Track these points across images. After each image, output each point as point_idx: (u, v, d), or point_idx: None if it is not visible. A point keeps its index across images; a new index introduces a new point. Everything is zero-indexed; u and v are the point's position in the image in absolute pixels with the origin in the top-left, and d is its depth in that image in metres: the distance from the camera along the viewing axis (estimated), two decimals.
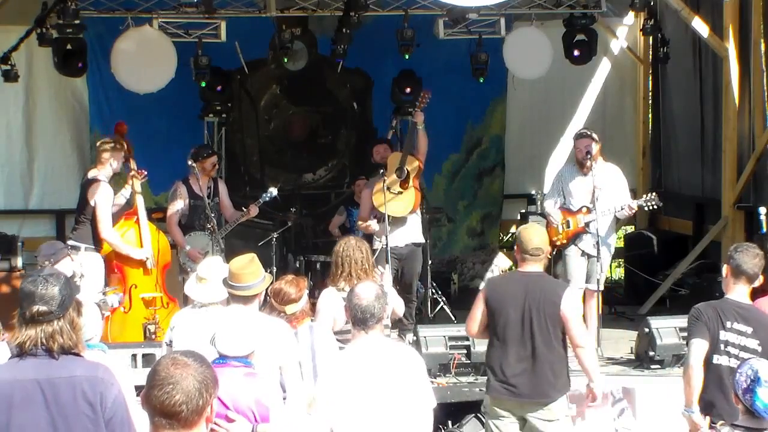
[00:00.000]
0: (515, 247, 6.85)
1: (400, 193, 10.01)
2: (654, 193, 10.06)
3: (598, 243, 9.60)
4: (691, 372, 6.12)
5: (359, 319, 5.52)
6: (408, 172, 10.05)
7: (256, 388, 5.29)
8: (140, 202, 9.72)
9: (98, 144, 9.80)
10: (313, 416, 5.33)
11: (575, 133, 10.29)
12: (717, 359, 6.10)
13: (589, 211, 9.75)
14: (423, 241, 10.38)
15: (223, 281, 6.37)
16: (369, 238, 9.74)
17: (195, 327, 6.37)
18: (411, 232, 10.15)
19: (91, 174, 9.69)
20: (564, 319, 6.59)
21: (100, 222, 9.43)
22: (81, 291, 7.17)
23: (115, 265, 9.62)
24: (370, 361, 5.45)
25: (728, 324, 6.08)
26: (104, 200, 9.44)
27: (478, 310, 6.79)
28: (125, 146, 9.70)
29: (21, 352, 4.13)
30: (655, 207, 10.03)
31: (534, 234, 6.75)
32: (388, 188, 9.85)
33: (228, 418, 5.08)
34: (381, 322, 5.57)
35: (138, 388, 7.82)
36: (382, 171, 10.05)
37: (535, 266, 6.71)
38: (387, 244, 9.61)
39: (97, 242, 9.48)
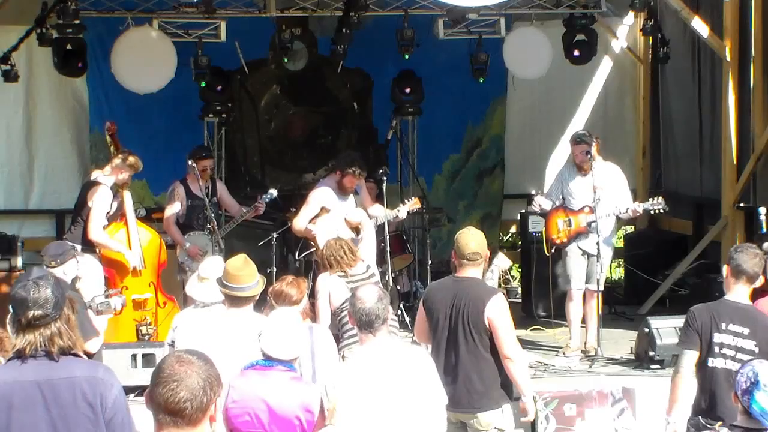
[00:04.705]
0: (453, 253, 6.71)
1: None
2: (661, 197, 9.96)
3: (598, 243, 9.60)
4: (678, 380, 6.11)
5: (365, 322, 5.50)
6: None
7: (303, 393, 5.27)
8: (128, 201, 9.58)
9: (118, 153, 9.61)
10: (336, 426, 5.30)
11: (571, 137, 10.24)
12: (712, 362, 6.07)
13: (591, 211, 9.70)
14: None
15: (218, 281, 6.37)
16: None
17: (197, 327, 6.37)
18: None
19: (93, 175, 9.64)
20: (490, 327, 6.46)
21: (91, 222, 9.33)
22: (80, 292, 7.23)
23: (105, 269, 9.44)
24: (381, 365, 5.45)
25: (723, 326, 6.03)
26: (101, 203, 9.37)
27: (419, 316, 6.78)
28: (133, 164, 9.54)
29: (21, 356, 4.12)
30: (662, 211, 10.00)
31: (471, 238, 6.60)
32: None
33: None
34: (386, 323, 5.56)
35: (138, 388, 7.86)
36: (381, 171, 10.06)
37: (472, 271, 6.59)
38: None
39: (88, 243, 9.34)
